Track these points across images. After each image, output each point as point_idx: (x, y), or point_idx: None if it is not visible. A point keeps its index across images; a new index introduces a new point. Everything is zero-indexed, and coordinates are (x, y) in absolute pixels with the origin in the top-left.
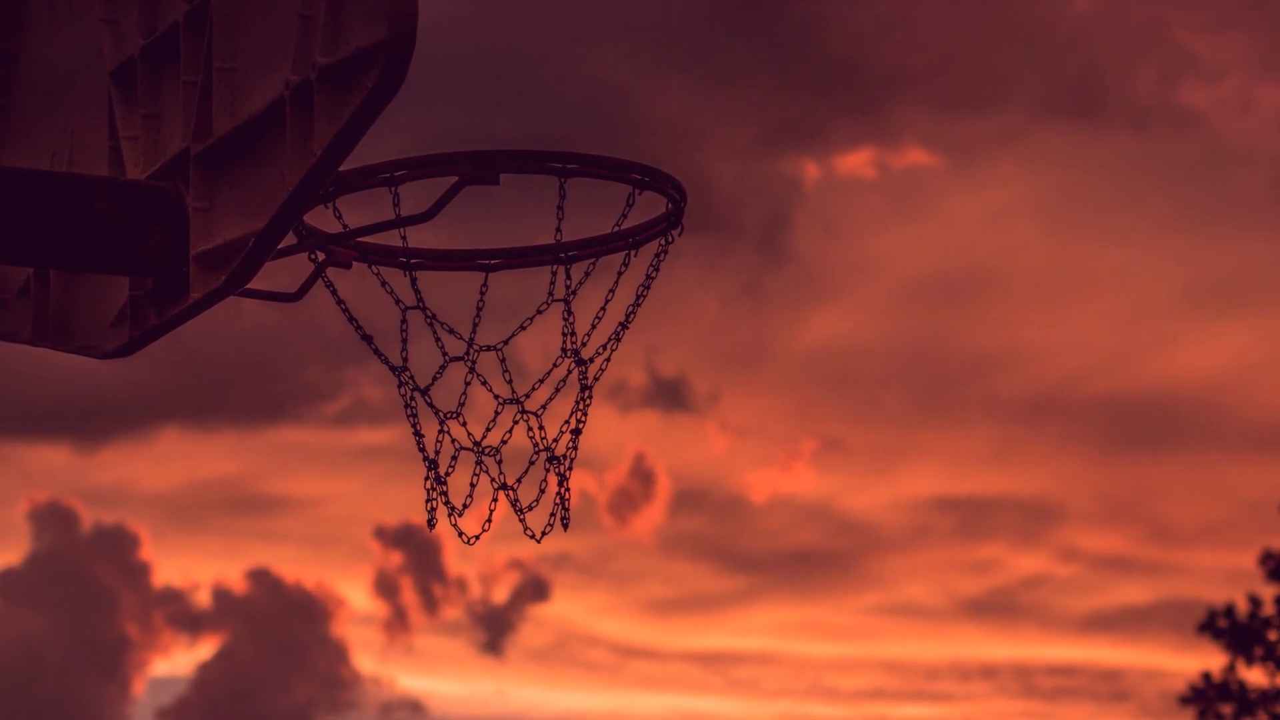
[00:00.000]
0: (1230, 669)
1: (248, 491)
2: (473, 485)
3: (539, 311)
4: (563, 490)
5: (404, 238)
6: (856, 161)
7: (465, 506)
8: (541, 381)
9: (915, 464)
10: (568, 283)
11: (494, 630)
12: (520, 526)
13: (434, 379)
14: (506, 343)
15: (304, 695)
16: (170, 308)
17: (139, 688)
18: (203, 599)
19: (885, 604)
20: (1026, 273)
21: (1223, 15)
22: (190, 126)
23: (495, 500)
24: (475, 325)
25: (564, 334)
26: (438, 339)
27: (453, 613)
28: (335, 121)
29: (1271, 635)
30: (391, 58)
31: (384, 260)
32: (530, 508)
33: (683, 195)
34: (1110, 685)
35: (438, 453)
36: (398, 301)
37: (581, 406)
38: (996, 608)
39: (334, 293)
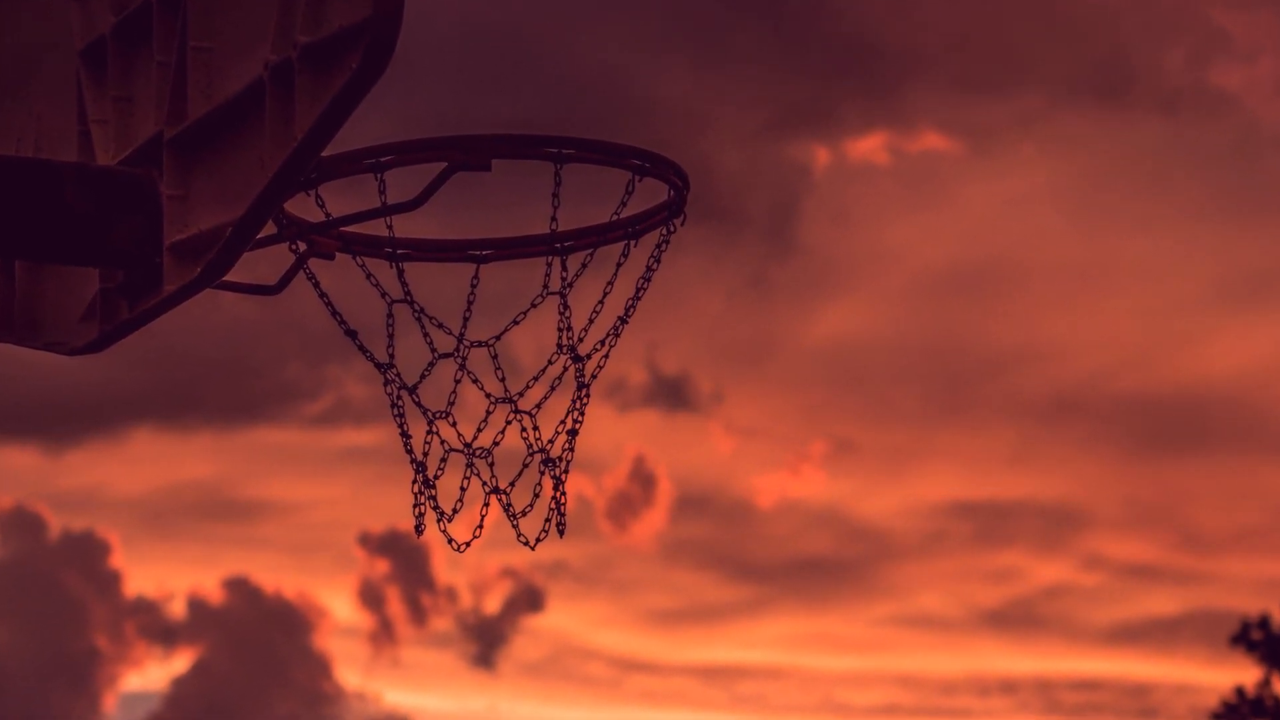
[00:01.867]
0: (1264, 683)
1: (225, 496)
2: (463, 489)
3: (533, 305)
4: (558, 494)
5: (390, 227)
6: (869, 146)
7: (455, 511)
8: (536, 379)
9: (931, 467)
10: (564, 275)
11: (485, 642)
12: (513, 533)
13: (422, 376)
14: (499, 338)
15: (285, 711)
16: (143, 301)
17: (110, 703)
18: (177, 609)
19: (899, 615)
20: (1048, 264)
21: None
22: (164, 109)
23: (487, 505)
24: (466, 320)
25: (560, 329)
26: (426, 334)
27: (442, 624)
28: (317, 104)
29: None
30: (377, 37)
31: (369, 251)
32: (524, 513)
33: (685, 182)
34: (1137, 700)
35: (426, 455)
36: (384, 294)
37: (578, 406)
38: (1017, 619)
39: (316, 285)
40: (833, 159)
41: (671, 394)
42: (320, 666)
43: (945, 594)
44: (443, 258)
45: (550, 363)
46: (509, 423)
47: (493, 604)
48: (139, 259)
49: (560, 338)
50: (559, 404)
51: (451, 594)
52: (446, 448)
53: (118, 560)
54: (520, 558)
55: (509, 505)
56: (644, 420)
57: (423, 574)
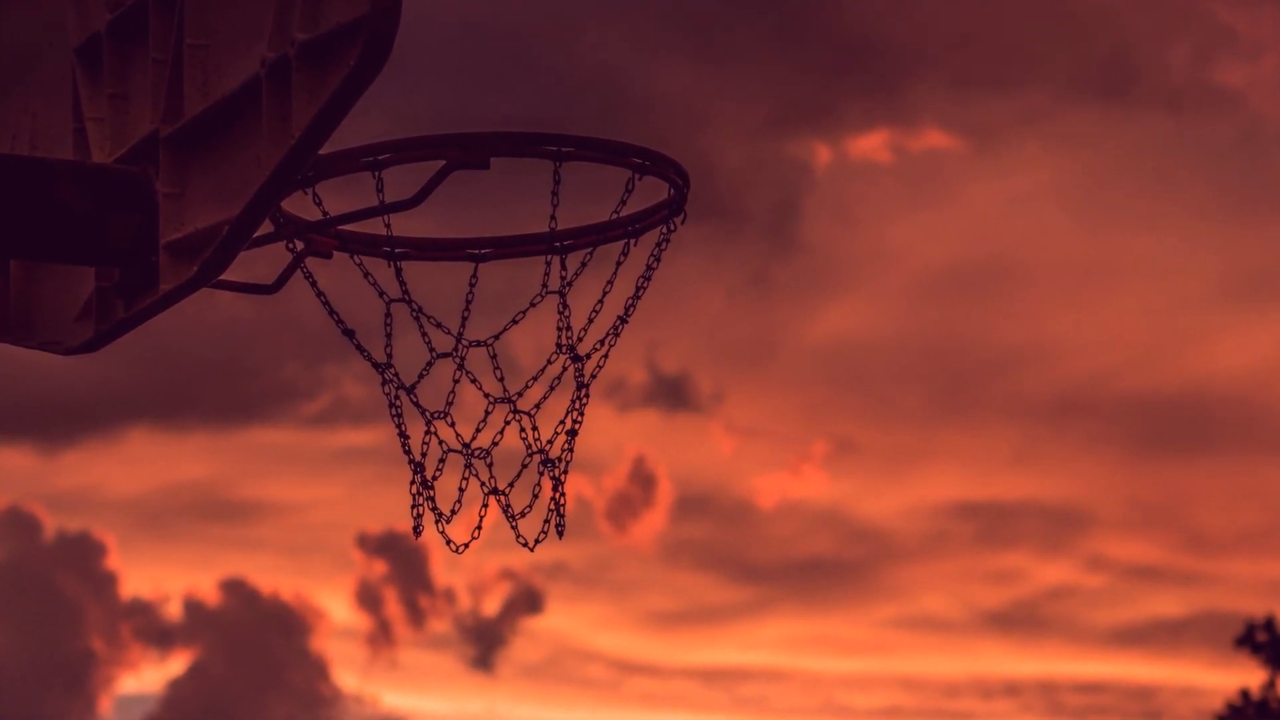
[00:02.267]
0: (1269, 685)
1: (221, 496)
2: (461, 490)
3: (532, 304)
4: (557, 495)
5: (388, 225)
6: (871, 144)
7: (453, 513)
8: (535, 379)
9: (933, 467)
10: (563, 274)
11: (484, 645)
12: (512, 534)
13: (420, 376)
14: (498, 338)
15: (282, 714)
16: (139, 300)
17: (105, 706)
18: (173, 611)
19: (902, 616)
20: (1052, 263)
21: None
22: (160, 107)
23: (485, 506)
24: (464, 319)
25: (559, 328)
26: (424, 334)
27: (440, 626)
28: (315, 102)
29: None
30: (374, 33)
31: (367, 250)
32: (523, 514)
33: (686, 180)
34: (1141, 703)
35: (424, 455)
36: (382, 294)
37: (578, 406)
38: (1020, 620)
39: (314, 284)
40: (834, 157)
41: (671, 394)
42: (317, 669)
43: (947, 595)
44: (441, 256)
45: (549, 362)
46: (508, 423)
47: (491, 605)
48: (135, 257)
49: (559, 337)
50: (558, 404)
51: (450, 595)
52: (445, 448)
53: (113, 561)
54: (519, 559)
55: (508, 506)
56: (644, 420)
57: (421, 575)
